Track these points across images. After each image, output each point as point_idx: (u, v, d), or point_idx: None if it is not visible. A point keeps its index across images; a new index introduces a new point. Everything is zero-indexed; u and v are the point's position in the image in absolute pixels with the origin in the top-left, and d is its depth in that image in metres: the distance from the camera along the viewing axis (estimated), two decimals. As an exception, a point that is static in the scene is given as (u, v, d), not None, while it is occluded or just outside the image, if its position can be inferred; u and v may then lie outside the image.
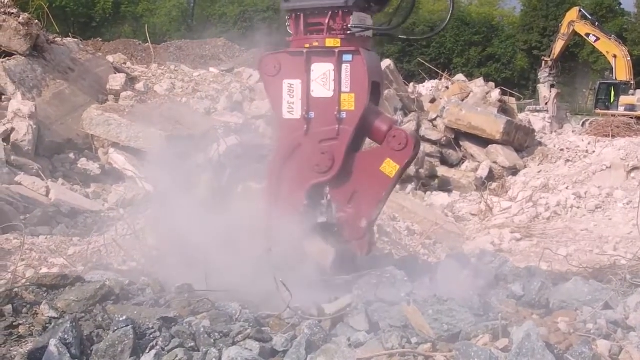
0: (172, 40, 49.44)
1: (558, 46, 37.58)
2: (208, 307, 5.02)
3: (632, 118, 31.47)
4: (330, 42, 5.66)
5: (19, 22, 14.77)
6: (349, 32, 5.63)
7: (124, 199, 11.42)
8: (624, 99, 35.54)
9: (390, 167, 5.70)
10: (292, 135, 5.79)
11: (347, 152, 5.73)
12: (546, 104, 36.75)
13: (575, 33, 37.32)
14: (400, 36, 7.06)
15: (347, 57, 5.64)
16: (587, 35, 37.05)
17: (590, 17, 37.54)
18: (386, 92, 22.33)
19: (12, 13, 15.01)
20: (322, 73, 5.68)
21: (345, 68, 5.65)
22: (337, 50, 5.62)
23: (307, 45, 5.70)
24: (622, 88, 36.15)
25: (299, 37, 5.78)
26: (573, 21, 36.70)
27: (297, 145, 5.78)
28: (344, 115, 5.67)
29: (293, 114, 5.76)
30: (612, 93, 36.70)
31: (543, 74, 38.35)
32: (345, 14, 5.64)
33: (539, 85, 39.34)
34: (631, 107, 34.70)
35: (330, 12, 5.64)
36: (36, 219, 9.58)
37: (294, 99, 5.75)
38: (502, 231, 14.15)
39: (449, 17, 6.53)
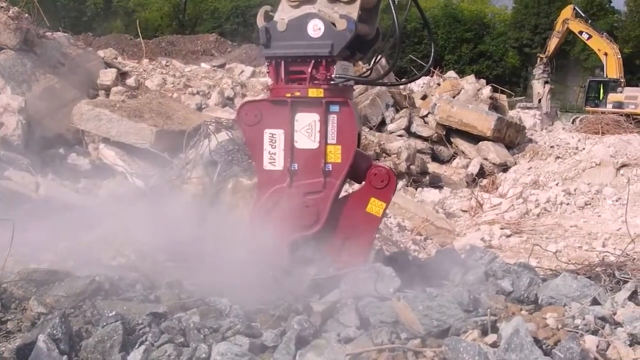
0: (163, 36, 49.40)
1: (552, 43, 37.87)
2: (198, 303, 5.02)
3: (621, 115, 31.65)
4: (313, 93, 5.46)
5: (9, 16, 14.68)
6: (332, 82, 5.44)
7: (114, 194, 11.36)
8: (612, 97, 35.83)
9: (376, 207, 5.57)
10: (273, 186, 5.58)
11: (333, 204, 5.55)
12: (539, 100, 36.97)
13: (569, 31, 37.56)
14: (381, 84, 6.84)
15: (334, 108, 5.47)
16: (580, 32, 37.36)
17: (583, 15, 37.77)
18: (377, 88, 22.36)
19: (2, 7, 14.91)
20: (307, 123, 5.48)
21: (332, 119, 5.46)
22: (324, 101, 5.44)
23: (289, 95, 5.49)
24: (611, 85, 36.39)
25: (280, 86, 5.57)
26: (567, 19, 36.98)
27: (280, 197, 5.57)
28: (329, 167, 5.50)
29: (275, 165, 5.55)
30: (602, 90, 36.95)
31: (537, 70, 38.63)
32: (329, 63, 5.45)
33: (533, 81, 39.64)
34: (619, 105, 34.99)
35: (313, 61, 5.45)
36: (25, 214, 9.53)
37: (276, 150, 5.53)
38: (492, 227, 14.20)
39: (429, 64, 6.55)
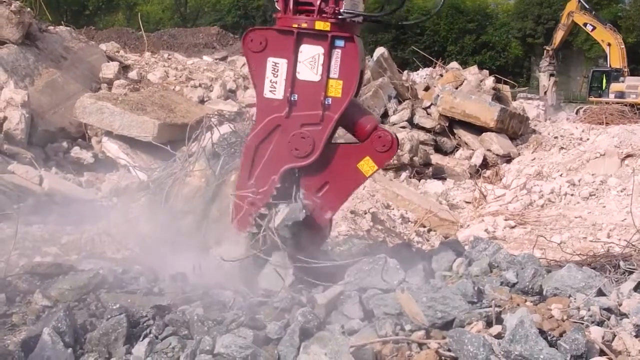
0: (165, 29, 49.35)
1: (558, 36, 38.01)
2: (201, 295, 5.02)
3: (625, 105, 31.59)
4: (320, 25, 5.44)
5: (11, 11, 14.68)
6: (340, 16, 5.43)
7: (117, 187, 11.38)
8: (614, 86, 35.82)
9: (368, 166, 5.62)
10: (271, 115, 5.59)
11: (328, 140, 5.60)
12: (545, 92, 36.99)
13: (574, 23, 37.60)
14: (392, 22, 6.86)
15: (339, 43, 5.45)
16: (585, 24, 37.42)
17: (587, 7, 37.75)
18: (380, 79, 22.34)
19: (4, 1, 14.91)
20: (310, 56, 5.48)
21: (336, 54, 5.46)
22: (330, 35, 5.43)
23: (296, 25, 5.48)
24: (613, 75, 36.36)
25: (287, 16, 5.56)
26: (572, 11, 36.98)
27: (276, 126, 5.59)
28: (329, 101, 5.50)
29: (275, 93, 5.55)
30: (604, 80, 36.94)
31: (543, 63, 38.78)
32: None
33: (539, 73, 39.73)
34: (621, 94, 34.97)
35: None
36: (29, 207, 9.55)
37: (278, 79, 5.53)
38: (496, 218, 14.16)
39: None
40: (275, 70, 5.54)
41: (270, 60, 5.55)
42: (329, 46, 5.45)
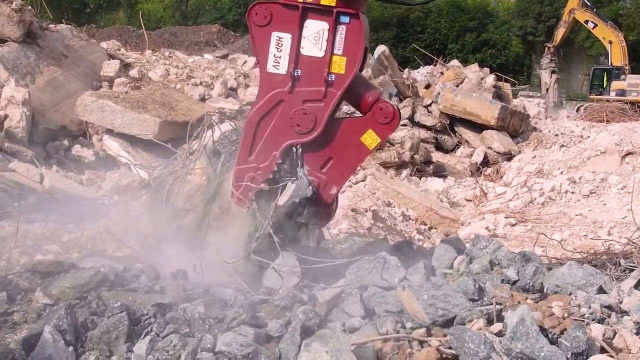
0: (166, 27, 49.38)
1: (560, 33, 38.09)
2: (202, 293, 5.03)
3: (626, 103, 31.61)
4: (325, 0, 5.41)
5: (12, 9, 14.69)
6: None
7: (118, 185, 11.38)
8: (615, 84, 35.87)
9: (371, 139, 5.62)
10: (274, 90, 5.57)
11: (330, 116, 5.58)
12: (547, 90, 37.04)
13: (575, 20, 37.66)
14: (397, 2, 6.83)
15: (345, 19, 5.43)
16: (586, 22, 37.50)
17: (589, 4, 37.79)
18: (381, 77, 22.34)
19: (5, -1, 14.94)
20: (315, 31, 5.45)
21: (341, 30, 5.44)
22: (335, 10, 5.40)
23: (301, 0, 5.44)
24: (614, 73, 36.40)
25: None
26: (574, 9, 37.04)
27: (279, 101, 5.57)
28: (332, 77, 5.49)
29: (278, 68, 5.52)
30: (605, 78, 36.98)
31: (545, 60, 38.85)
32: None
33: (540, 71, 39.81)
34: (622, 92, 35.05)
35: None
36: (30, 205, 9.54)
37: (281, 53, 5.50)
38: (496, 216, 14.17)
39: None
40: (279, 44, 5.51)
41: (275, 35, 5.52)
42: (334, 22, 5.43)
